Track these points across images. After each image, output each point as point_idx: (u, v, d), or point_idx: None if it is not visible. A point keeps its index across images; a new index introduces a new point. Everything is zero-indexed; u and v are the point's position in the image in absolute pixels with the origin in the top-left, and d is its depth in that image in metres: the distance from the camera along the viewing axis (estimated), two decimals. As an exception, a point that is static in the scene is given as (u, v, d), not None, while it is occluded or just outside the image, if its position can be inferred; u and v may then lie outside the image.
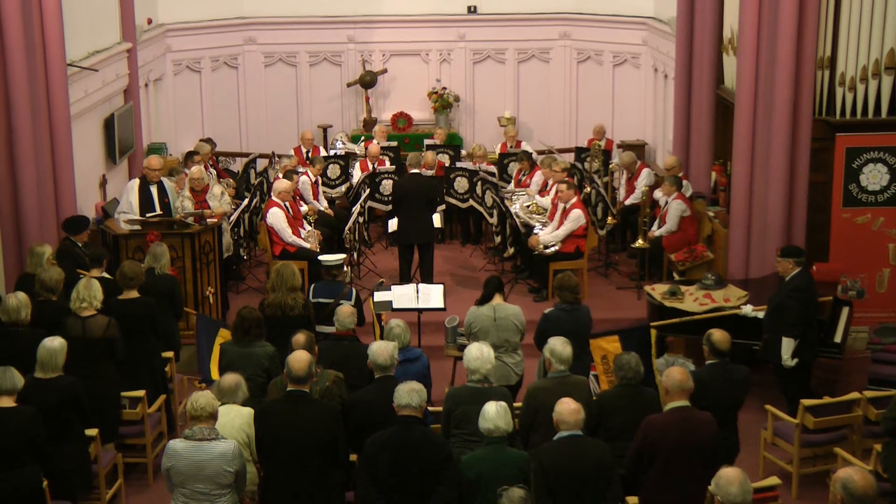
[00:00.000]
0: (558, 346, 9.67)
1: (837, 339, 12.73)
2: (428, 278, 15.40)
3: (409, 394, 8.52)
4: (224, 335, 11.72)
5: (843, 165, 14.07)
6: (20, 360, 9.70)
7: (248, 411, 9.14)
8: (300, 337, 9.88)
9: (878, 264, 14.27)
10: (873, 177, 14.08)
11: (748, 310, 12.68)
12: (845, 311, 13.21)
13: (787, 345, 11.99)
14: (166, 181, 15.03)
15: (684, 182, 16.37)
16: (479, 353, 9.57)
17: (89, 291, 10.95)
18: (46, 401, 9.50)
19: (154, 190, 14.71)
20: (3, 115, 13.30)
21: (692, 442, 8.65)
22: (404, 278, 15.59)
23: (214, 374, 11.73)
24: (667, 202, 15.87)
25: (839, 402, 11.27)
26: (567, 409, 8.44)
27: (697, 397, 8.98)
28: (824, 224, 14.28)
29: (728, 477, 7.07)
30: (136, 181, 14.89)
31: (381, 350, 9.61)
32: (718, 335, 10.04)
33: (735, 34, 14.89)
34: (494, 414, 8.44)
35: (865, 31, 13.75)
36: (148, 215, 14.40)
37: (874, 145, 14.01)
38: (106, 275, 12.41)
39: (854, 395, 11.32)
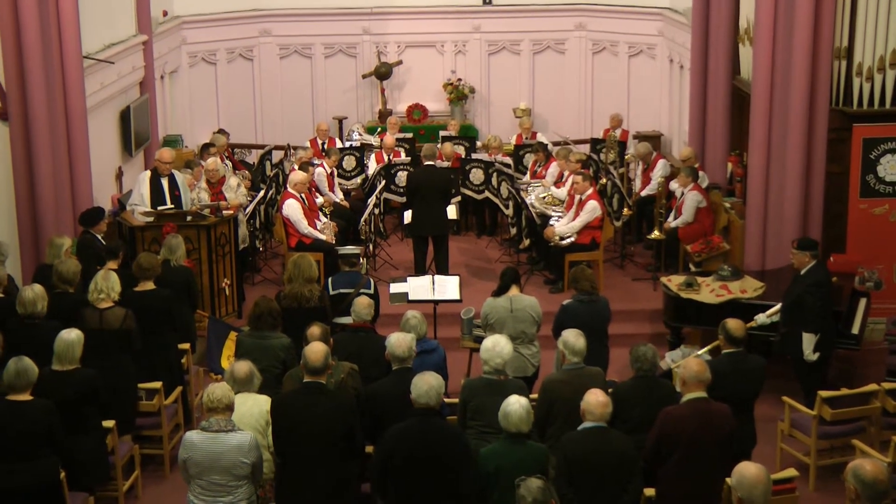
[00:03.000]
0: (571, 337, 9.65)
1: (855, 330, 12.70)
2: (443, 270, 15.40)
3: (427, 392, 8.44)
4: (234, 338, 11.73)
5: (860, 156, 14.03)
6: (36, 352, 9.72)
7: (265, 399, 9.15)
8: (315, 330, 9.88)
9: (896, 255, 14.24)
10: (891, 167, 14.04)
11: (763, 318, 12.61)
12: (863, 302, 13.19)
13: (808, 340, 11.96)
14: (178, 174, 15.01)
15: (700, 173, 16.33)
16: (491, 345, 9.54)
17: (107, 283, 10.98)
18: (64, 393, 9.52)
19: (165, 182, 14.70)
20: (20, 107, 13.35)
21: (709, 434, 8.62)
22: (419, 270, 15.58)
23: (226, 366, 11.73)
24: (683, 193, 15.84)
25: (857, 393, 11.23)
26: (596, 400, 8.41)
27: (714, 387, 8.96)
28: (841, 215, 14.24)
29: (752, 479, 6.97)
30: (148, 173, 14.88)
31: (399, 342, 9.60)
32: (733, 323, 10.03)
33: (751, 24, 14.86)
34: (518, 419, 8.33)
35: (883, 21, 13.70)
36: (160, 208, 14.40)
37: (891, 136, 13.96)
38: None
39: (872, 386, 11.28)
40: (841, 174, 14.17)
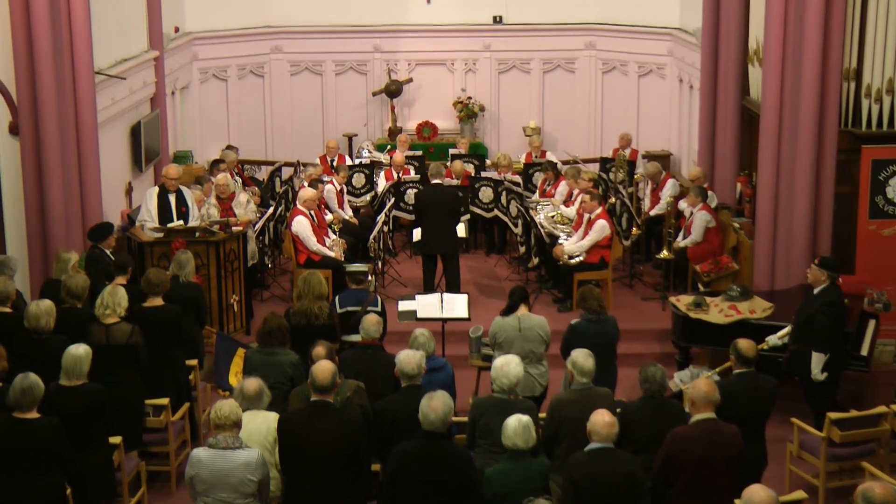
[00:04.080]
0: (580, 358, 9.64)
1: (864, 351, 12.68)
2: (454, 288, 15.37)
3: (434, 421, 8.37)
4: (243, 355, 11.73)
5: (869, 177, 14.04)
6: (43, 367, 9.70)
7: (274, 416, 9.15)
8: (320, 350, 9.87)
9: (905, 277, 14.22)
10: (899, 189, 14.08)
11: (774, 339, 12.58)
12: (872, 323, 13.17)
13: (818, 360, 11.94)
14: (185, 190, 15.06)
15: (709, 193, 16.33)
16: (500, 365, 9.53)
17: (114, 298, 10.98)
18: (71, 408, 9.50)
19: (172, 199, 14.75)
20: (31, 122, 13.40)
21: (718, 455, 8.61)
22: (427, 288, 15.55)
23: (234, 383, 11.73)
24: (692, 213, 15.83)
25: (866, 415, 11.20)
26: (602, 420, 8.40)
27: (725, 407, 8.97)
28: (850, 236, 14.23)
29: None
30: (156, 189, 14.96)
31: (408, 359, 9.60)
32: (745, 343, 10.04)
33: (760, 45, 14.87)
34: (512, 432, 8.38)
35: (891, 43, 13.73)
36: (169, 225, 14.43)
37: (900, 158, 14.00)
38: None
39: (881, 408, 11.25)
40: (850, 195, 14.17)
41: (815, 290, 12.15)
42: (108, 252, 13.43)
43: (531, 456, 8.56)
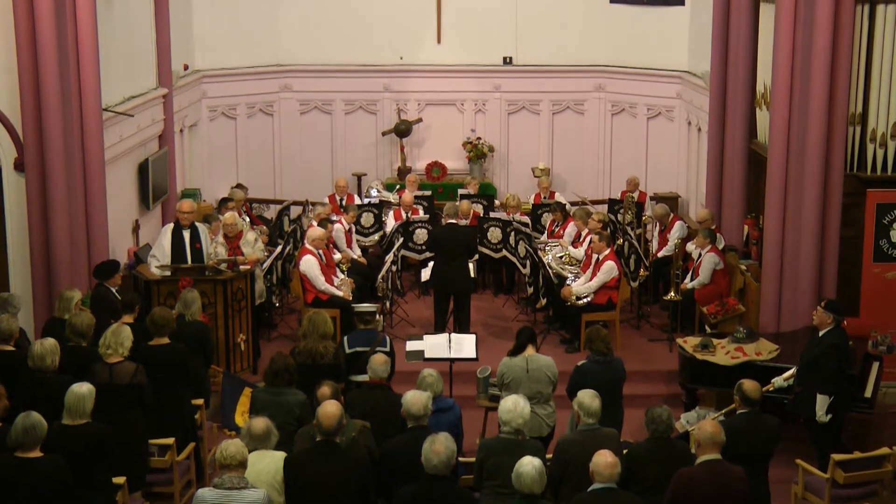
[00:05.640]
0: (586, 399, 9.66)
1: (868, 393, 12.70)
2: (464, 328, 15.38)
3: (436, 466, 8.37)
4: (249, 394, 11.73)
5: (874, 221, 14.08)
6: (46, 406, 9.68)
7: (281, 455, 9.14)
8: (325, 390, 9.88)
9: (909, 319, 14.22)
10: (903, 233, 14.11)
11: (780, 381, 12.62)
12: (876, 365, 13.16)
13: (822, 401, 11.95)
14: (200, 226, 15.06)
15: (717, 235, 16.36)
16: (512, 406, 9.53)
17: (117, 338, 10.94)
18: (74, 447, 9.43)
19: (187, 235, 14.76)
20: (37, 159, 13.40)
21: (723, 496, 8.64)
22: (438, 328, 15.55)
23: (240, 423, 11.72)
24: (700, 255, 15.85)
25: (870, 457, 11.23)
26: (604, 461, 8.41)
27: (729, 446, 9.01)
28: (855, 279, 14.27)
29: None
30: (171, 226, 14.97)
31: (415, 400, 9.59)
32: (749, 384, 10.11)
33: (768, 89, 14.93)
34: (530, 480, 8.28)
35: (896, 88, 13.83)
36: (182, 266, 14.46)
37: (904, 201, 14.04)
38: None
39: (885, 450, 11.27)
40: (855, 238, 14.21)
41: (821, 333, 12.19)
42: (113, 290, 13.44)
43: (542, 499, 8.54)
